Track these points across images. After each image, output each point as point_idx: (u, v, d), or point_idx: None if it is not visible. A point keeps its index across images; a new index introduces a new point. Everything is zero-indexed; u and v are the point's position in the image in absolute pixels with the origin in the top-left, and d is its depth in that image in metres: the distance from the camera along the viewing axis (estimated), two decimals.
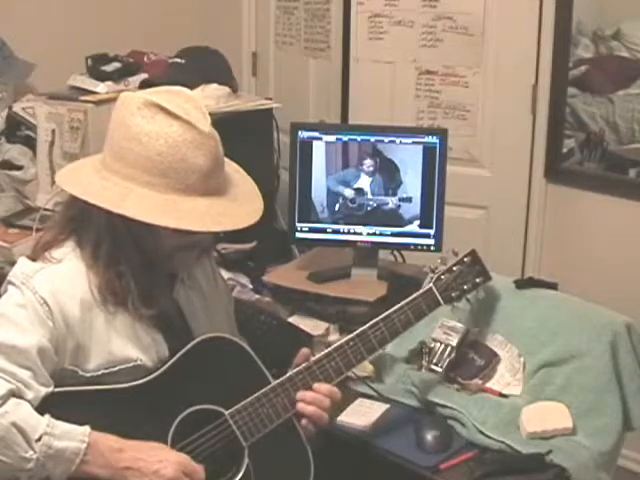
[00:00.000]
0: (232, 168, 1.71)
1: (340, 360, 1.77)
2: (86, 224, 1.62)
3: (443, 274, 1.98)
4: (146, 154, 1.53)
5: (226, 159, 1.67)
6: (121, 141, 1.56)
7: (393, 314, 1.86)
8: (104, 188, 1.56)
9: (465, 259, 2.01)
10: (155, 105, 1.54)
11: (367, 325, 1.83)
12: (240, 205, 1.63)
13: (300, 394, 1.71)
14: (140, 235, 1.59)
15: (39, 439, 1.46)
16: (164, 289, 1.69)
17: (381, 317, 1.85)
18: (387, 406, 2.07)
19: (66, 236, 1.64)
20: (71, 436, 1.49)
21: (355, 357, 1.79)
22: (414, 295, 1.92)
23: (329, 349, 1.78)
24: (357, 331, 1.82)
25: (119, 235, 1.59)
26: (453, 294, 1.97)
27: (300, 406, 1.70)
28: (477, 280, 2.02)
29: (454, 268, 1.99)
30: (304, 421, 1.72)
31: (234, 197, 1.63)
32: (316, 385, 1.73)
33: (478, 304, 2.13)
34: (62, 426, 1.49)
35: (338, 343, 1.79)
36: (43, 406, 1.51)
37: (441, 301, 1.95)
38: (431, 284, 1.96)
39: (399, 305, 1.89)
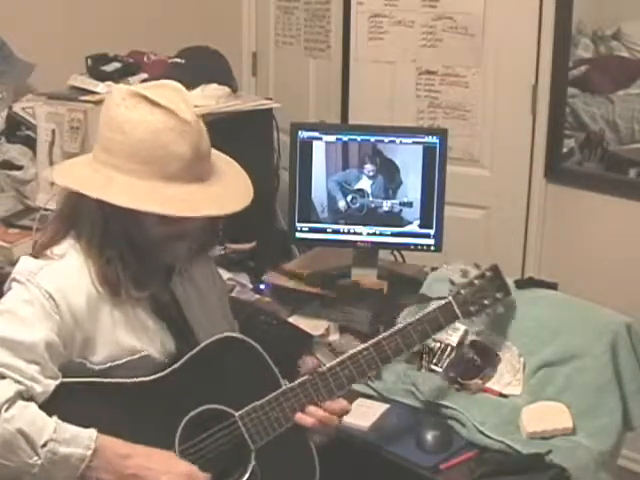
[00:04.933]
0: (224, 160, 1.71)
1: (354, 368, 1.74)
2: (81, 218, 1.63)
3: (463, 287, 1.94)
4: (128, 142, 1.55)
5: (219, 152, 1.69)
6: (106, 132, 1.58)
7: (410, 326, 1.83)
8: (87, 177, 1.58)
9: (487, 273, 1.98)
10: (138, 95, 1.57)
11: (382, 335, 1.80)
12: (226, 192, 1.63)
13: (311, 409, 1.69)
14: (127, 222, 1.60)
15: (44, 445, 1.46)
16: (157, 276, 1.69)
17: (397, 328, 1.81)
18: (387, 406, 2.07)
19: (64, 233, 1.65)
20: (77, 442, 1.48)
21: (368, 366, 1.76)
22: (432, 307, 1.88)
23: (343, 357, 1.75)
24: (372, 341, 1.78)
25: (109, 223, 1.60)
26: (472, 308, 1.93)
27: (299, 417, 1.68)
28: (497, 295, 1.98)
29: (475, 282, 1.96)
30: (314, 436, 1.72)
31: (220, 185, 1.63)
32: (327, 404, 1.70)
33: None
34: (69, 430, 1.49)
35: (352, 352, 1.76)
36: (52, 399, 1.51)
37: (460, 315, 1.91)
38: (450, 297, 1.92)
39: (417, 317, 1.85)
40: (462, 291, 1.94)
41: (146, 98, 1.56)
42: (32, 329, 1.52)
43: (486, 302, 1.96)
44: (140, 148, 1.54)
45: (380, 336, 1.80)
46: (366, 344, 1.78)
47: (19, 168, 2.88)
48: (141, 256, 1.63)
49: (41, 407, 1.50)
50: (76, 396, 1.55)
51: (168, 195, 1.55)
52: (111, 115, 1.58)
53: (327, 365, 1.74)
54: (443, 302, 1.91)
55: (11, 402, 1.46)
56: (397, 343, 1.80)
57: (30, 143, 2.89)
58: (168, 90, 1.60)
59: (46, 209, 2.46)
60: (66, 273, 1.59)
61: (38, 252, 1.64)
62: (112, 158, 1.57)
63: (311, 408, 1.69)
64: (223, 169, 1.68)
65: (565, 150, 3.21)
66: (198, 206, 1.57)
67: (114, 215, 1.58)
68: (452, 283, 1.98)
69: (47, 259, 1.62)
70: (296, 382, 1.70)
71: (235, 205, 1.61)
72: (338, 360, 1.75)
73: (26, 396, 1.49)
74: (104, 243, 1.61)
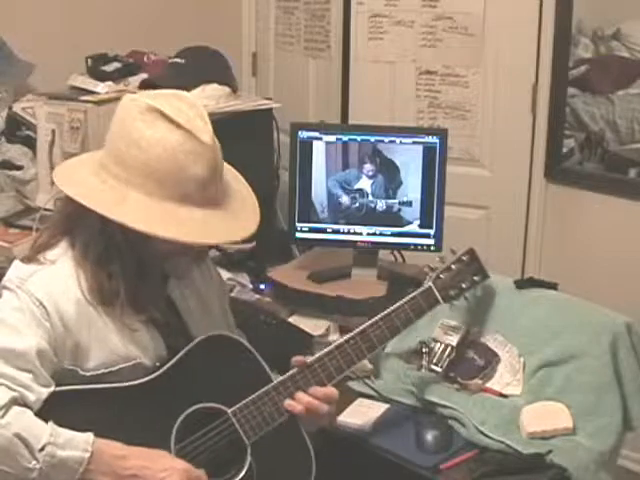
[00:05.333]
0: (231, 175, 1.70)
1: (341, 358, 1.77)
2: (81, 223, 1.61)
3: (442, 273, 1.99)
4: (144, 160, 1.52)
5: (225, 165, 1.66)
6: (121, 144, 1.55)
7: (393, 313, 1.87)
8: (101, 191, 1.55)
9: (463, 257, 2.02)
10: (156, 111, 1.53)
11: (367, 323, 1.83)
12: (236, 216, 1.62)
13: (298, 395, 1.70)
14: (134, 239, 1.58)
15: (42, 449, 1.45)
16: (156, 290, 1.68)
17: (381, 316, 1.86)
18: (387, 406, 2.07)
19: (60, 236, 1.64)
20: (74, 445, 1.48)
21: (356, 355, 1.79)
22: (413, 294, 1.93)
23: (330, 347, 1.78)
24: (357, 329, 1.82)
25: (112, 235, 1.58)
26: (452, 292, 1.98)
27: (288, 404, 1.69)
28: (475, 278, 2.02)
29: (452, 267, 2.00)
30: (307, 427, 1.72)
31: (230, 209, 1.62)
32: (312, 390, 1.71)
33: (478, 304, 2.14)
34: (65, 434, 1.48)
35: (338, 341, 1.80)
36: (46, 407, 1.51)
37: (440, 300, 1.96)
38: (430, 283, 1.96)
39: (399, 303, 1.89)
40: (441, 276, 1.98)
41: (164, 115, 1.53)
42: (23, 337, 1.52)
43: (464, 285, 2.00)
44: (156, 168, 1.52)
45: (365, 325, 1.83)
46: (352, 333, 1.81)
47: (19, 168, 2.88)
48: (143, 269, 1.62)
49: (35, 415, 1.50)
50: (69, 403, 1.55)
51: (182, 218, 1.53)
52: (127, 128, 1.54)
53: (315, 356, 1.76)
54: (423, 287, 1.95)
55: (6, 408, 1.46)
56: (382, 330, 1.84)
57: (30, 143, 2.89)
58: (185, 105, 1.56)
59: (46, 209, 2.46)
60: (56, 279, 1.58)
61: (32, 256, 1.62)
62: (125, 173, 1.54)
63: (298, 394, 1.70)
64: (232, 187, 1.67)
65: (565, 150, 3.21)
66: (211, 232, 1.57)
67: (122, 231, 1.56)
68: (431, 269, 2.00)
69: (39, 264, 1.60)
70: (286, 375, 1.72)
71: (245, 231, 1.61)
72: (325, 351, 1.77)
73: (20, 403, 1.49)
74: (106, 256, 1.59)
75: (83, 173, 1.61)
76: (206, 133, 1.54)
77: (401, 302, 1.90)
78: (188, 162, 1.52)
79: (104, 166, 1.58)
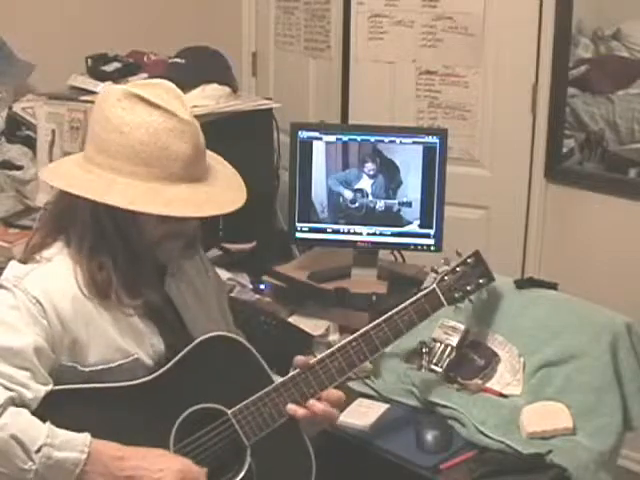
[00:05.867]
0: (214, 159, 1.72)
1: (343, 360, 1.75)
2: (73, 220, 1.62)
3: (446, 275, 1.96)
4: (128, 144, 1.54)
5: (210, 152, 1.69)
6: (102, 133, 1.57)
7: (396, 315, 1.85)
8: (88, 180, 1.57)
9: (469, 260, 2.00)
10: (134, 96, 1.56)
11: (370, 325, 1.81)
12: (223, 191, 1.64)
13: (311, 402, 1.69)
14: (124, 225, 1.59)
15: (38, 450, 1.45)
16: (150, 281, 1.68)
17: (384, 318, 1.83)
18: (387, 406, 2.07)
19: (55, 236, 1.65)
20: (71, 446, 1.48)
21: (358, 357, 1.77)
22: (417, 296, 1.90)
23: (332, 349, 1.77)
24: (360, 331, 1.80)
25: (103, 227, 1.59)
26: (456, 295, 1.96)
27: (290, 408, 1.68)
28: (480, 281, 2.00)
29: (457, 269, 1.98)
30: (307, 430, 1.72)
31: (217, 184, 1.64)
32: (325, 394, 1.71)
33: (479, 304, 2.13)
34: (62, 435, 1.48)
35: (341, 343, 1.78)
36: (44, 406, 1.51)
37: (444, 302, 1.93)
38: (434, 285, 1.94)
39: (402, 306, 1.87)
40: (445, 278, 1.96)
41: (142, 99, 1.55)
42: (20, 335, 1.52)
43: (469, 288, 1.98)
44: (140, 150, 1.54)
45: (367, 327, 1.81)
46: (354, 335, 1.79)
47: (19, 168, 2.88)
48: (135, 259, 1.62)
49: (33, 414, 1.49)
50: (68, 402, 1.55)
51: (170, 196, 1.55)
52: (107, 116, 1.56)
53: (317, 357, 1.75)
54: (427, 290, 1.93)
55: (2, 409, 1.45)
56: (384, 332, 1.82)
57: (30, 143, 2.89)
58: (161, 89, 1.60)
59: (46, 209, 2.46)
60: (53, 277, 1.59)
61: (27, 256, 1.63)
62: (110, 160, 1.56)
63: (311, 402, 1.69)
64: (216, 167, 1.69)
65: (565, 150, 3.21)
66: (201, 206, 1.58)
67: (111, 217, 1.58)
68: (435, 272, 1.99)
69: (34, 263, 1.61)
70: (287, 377, 1.71)
71: (233, 204, 1.62)
72: (327, 352, 1.76)
73: (17, 402, 1.48)
74: (96, 248, 1.60)
75: (67, 165, 1.64)
76: (184, 111, 1.57)
77: (405, 304, 1.87)
78: (171, 140, 1.55)
79: (87, 158, 1.61)
